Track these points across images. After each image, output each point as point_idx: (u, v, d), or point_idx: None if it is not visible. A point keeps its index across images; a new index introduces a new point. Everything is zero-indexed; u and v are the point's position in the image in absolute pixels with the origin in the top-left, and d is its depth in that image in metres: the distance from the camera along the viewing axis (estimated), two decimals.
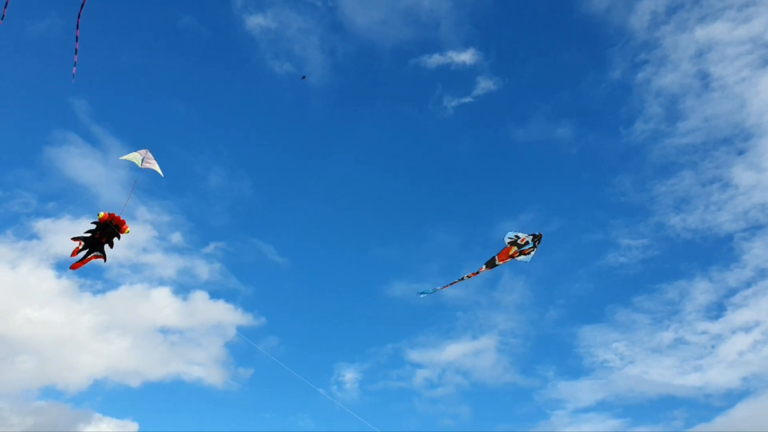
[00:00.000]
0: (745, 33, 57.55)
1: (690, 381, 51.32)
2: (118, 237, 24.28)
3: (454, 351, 57.32)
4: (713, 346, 52.26)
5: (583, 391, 53.69)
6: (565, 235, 63.21)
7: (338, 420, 53.74)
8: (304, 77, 47.72)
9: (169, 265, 59.12)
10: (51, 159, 60.92)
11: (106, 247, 24.34)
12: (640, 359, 53.90)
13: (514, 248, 23.70)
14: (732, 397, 49.89)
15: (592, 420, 51.85)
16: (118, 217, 24.08)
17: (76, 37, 23.39)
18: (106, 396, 52.84)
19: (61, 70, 60.89)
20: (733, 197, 56.63)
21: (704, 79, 59.41)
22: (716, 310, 53.78)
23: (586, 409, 52.56)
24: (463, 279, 24.23)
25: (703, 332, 52.93)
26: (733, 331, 52.18)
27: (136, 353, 54.18)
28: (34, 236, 55.42)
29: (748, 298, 52.86)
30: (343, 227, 69.89)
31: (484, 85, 65.79)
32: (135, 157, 25.17)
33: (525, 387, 55.41)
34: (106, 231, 24.06)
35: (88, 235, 23.96)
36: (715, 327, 52.83)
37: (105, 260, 24.39)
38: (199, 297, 58.01)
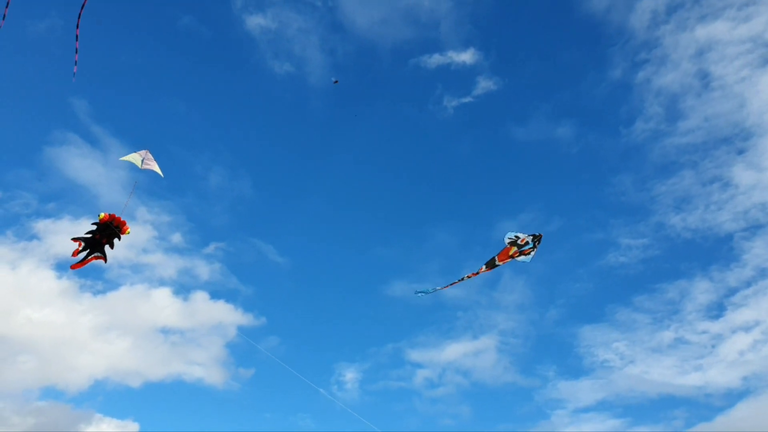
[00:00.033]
0: (746, 32, 57.53)
1: (690, 381, 51.40)
2: (119, 238, 24.36)
3: (454, 351, 57.41)
4: (713, 346, 52.31)
5: (584, 390, 53.76)
6: (565, 234, 63.26)
7: (338, 420, 53.83)
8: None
9: (170, 265, 59.20)
10: (51, 159, 60.95)
11: (107, 247, 24.45)
12: (640, 359, 53.95)
13: (514, 248, 23.71)
14: (732, 397, 49.97)
15: (593, 420, 51.91)
16: (119, 218, 24.16)
17: (76, 36, 23.50)
18: (107, 396, 52.99)
19: (62, 70, 60.81)
20: (733, 197, 56.65)
21: (704, 78, 59.43)
22: (716, 310, 53.83)
23: (586, 409, 52.63)
24: (462, 279, 24.25)
25: (704, 332, 52.99)
26: (734, 331, 52.23)
27: (136, 353, 54.32)
28: (34, 237, 55.50)
29: (748, 298, 52.89)
30: (343, 227, 69.97)
31: (484, 84, 65.80)
32: (135, 158, 25.21)
33: (525, 387, 55.49)
34: (106, 232, 24.14)
35: (89, 236, 24.05)
36: (715, 326, 52.90)
37: (106, 261, 24.50)
38: (200, 297, 58.10)
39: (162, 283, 57.96)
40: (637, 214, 61.18)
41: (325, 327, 62.41)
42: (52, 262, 53.95)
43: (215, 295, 58.56)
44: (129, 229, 24.47)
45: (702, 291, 54.85)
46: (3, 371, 49.55)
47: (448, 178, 71.45)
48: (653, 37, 61.43)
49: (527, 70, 70.85)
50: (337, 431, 53.73)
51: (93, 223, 24.08)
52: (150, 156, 25.72)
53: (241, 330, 56.41)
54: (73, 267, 24.30)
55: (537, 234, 23.61)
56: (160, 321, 55.78)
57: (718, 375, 50.59)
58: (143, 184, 25.99)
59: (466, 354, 57.09)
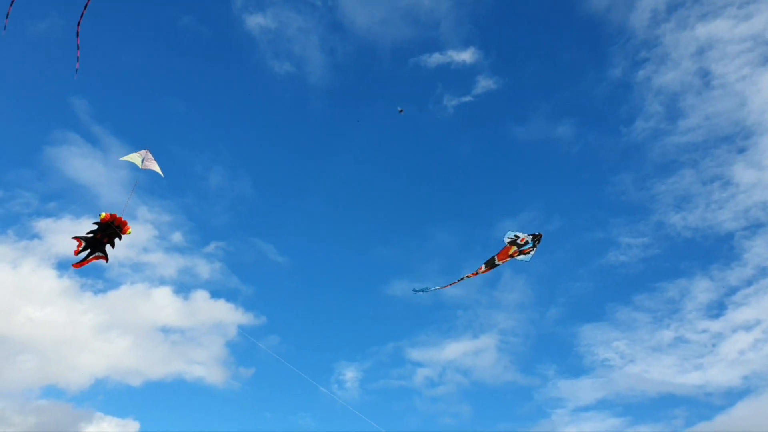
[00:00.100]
0: (746, 30, 57.55)
1: (691, 380, 51.46)
2: (120, 237, 24.45)
3: (454, 350, 57.54)
4: (714, 345, 52.37)
5: (584, 389, 53.86)
6: (565, 234, 63.36)
7: (339, 419, 53.98)
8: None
9: (170, 264, 59.37)
10: (51, 159, 61.13)
11: (108, 247, 24.54)
12: (640, 358, 54.06)
13: (514, 248, 23.72)
14: (733, 396, 50.04)
15: (593, 419, 52.01)
16: (120, 218, 24.24)
17: (77, 33, 23.66)
18: (108, 395, 53.17)
19: (62, 70, 61.13)
20: (733, 195, 56.68)
21: (705, 77, 59.47)
22: (717, 309, 53.90)
23: (586, 408, 52.74)
24: (462, 279, 24.28)
25: (704, 331, 53.06)
26: (734, 330, 52.31)
27: (137, 352, 54.48)
28: (35, 236, 55.68)
29: (748, 297, 52.95)
30: (343, 227, 70.11)
31: (485, 84, 65.87)
32: (135, 158, 25.28)
33: (525, 386, 55.62)
34: (107, 232, 24.23)
35: (90, 236, 24.14)
36: (715, 325, 52.97)
37: (107, 261, 24.60)
38: (200, 296, 58.27)
39: (162, 282, 58.22)
40: (638, 213, 61.35)
41: (325, 326, 62.65)
42: (52, 261, 54.18)
43: (216, 294, 58.85)
44: (130, 229, 24.56)
45: (702, 290, 54.98)
46: (4, 370, 49.74)
47: (448, 178, 71.64)
48: (653, 36, 61.55)
49: (527, 69, 71.00)
50: (337, 430, 53.93)
51: (94, 223, 24.20)
52: (150, 156, 25.79)
53: (242, 329, 56.57)
54: (75, 266, 24.47)
55: (537, 233, 23.62)
56: (160, 320, 56.02)
57: (719, 374, 50.72)
58: (143, 184, 26.07)
59: (467, 353, 57.29)
